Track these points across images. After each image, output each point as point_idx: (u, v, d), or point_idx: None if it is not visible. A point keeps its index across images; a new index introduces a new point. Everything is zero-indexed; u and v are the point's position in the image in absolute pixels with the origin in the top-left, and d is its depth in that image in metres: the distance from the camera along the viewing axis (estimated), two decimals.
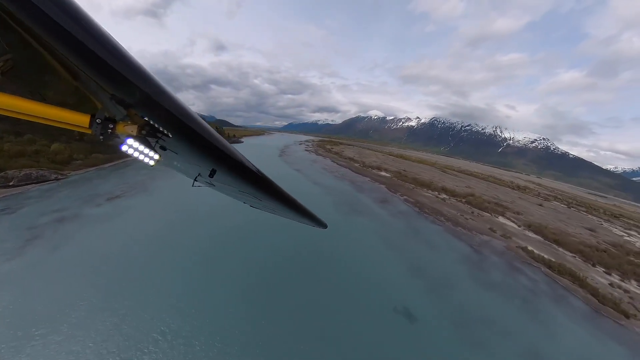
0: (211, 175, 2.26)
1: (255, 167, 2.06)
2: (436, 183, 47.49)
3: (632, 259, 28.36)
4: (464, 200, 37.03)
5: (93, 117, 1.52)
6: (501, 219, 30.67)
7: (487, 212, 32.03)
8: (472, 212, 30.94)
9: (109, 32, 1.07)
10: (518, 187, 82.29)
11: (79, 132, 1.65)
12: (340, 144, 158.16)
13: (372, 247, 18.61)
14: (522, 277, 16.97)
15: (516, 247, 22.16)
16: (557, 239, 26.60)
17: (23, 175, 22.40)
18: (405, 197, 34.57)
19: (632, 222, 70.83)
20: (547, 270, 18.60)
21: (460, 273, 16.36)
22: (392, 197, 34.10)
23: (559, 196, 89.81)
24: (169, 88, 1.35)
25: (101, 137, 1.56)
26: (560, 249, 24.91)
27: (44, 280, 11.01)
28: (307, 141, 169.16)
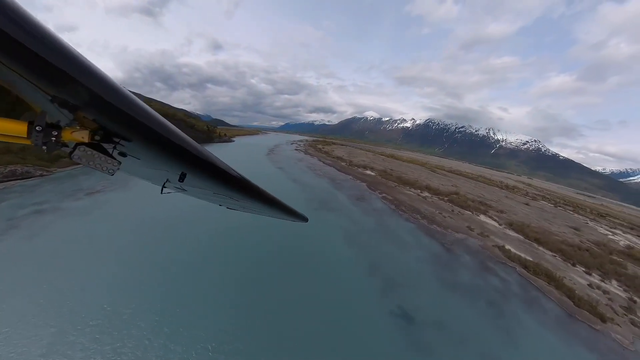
0: (181, 179, 2.05)
1: (229, 167, 1.91)
2: (421, 182, 46.32)
3: (614, 257, 27.44)
4: (446, 198, 35.83)
5: (31, 124, 1.20)
6: (482, 217, 29.50)
7: (469, 211, 30.84)
8: (452, 210, 29.70)
9: (42, 21, 0.90)
10: (507, 187, 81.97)
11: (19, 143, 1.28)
12: (333, 143, 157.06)
13: (334, 245, 17.24)
14: (493, 278, 15.62)
15: (492, 246, 20.91)
16: (538, 238, 25.50)
17: (8, 171, 22.69)
18: (384, 194, 33.24)
19: (617, 221, 71.03)
20: (522, 270, 17.33)
21: (424, 273, 14.96)
22: (370, 195, 32.77)
23: (547, 196, 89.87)
24: (123, 86, 1.15)
25: (44, 147, 1.24)
26: (541, 248, 23.78)
27: (16, 268, 11.14)
28: (300, 141, 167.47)
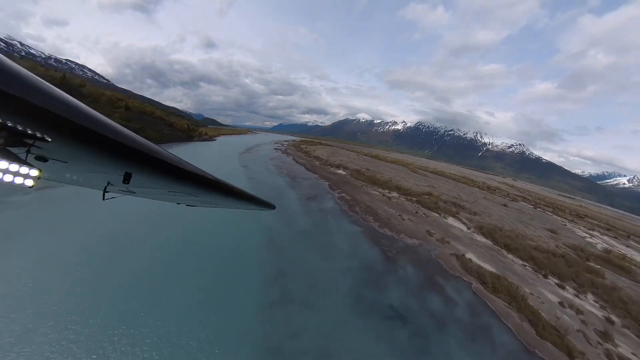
0: (126, 181, 1.71)
1: (184, 162, 1.67)
2: (394, 182, 43.03)
3: (591, 264, 24.61)
4: (415, 199, 32.51)
5: None
6: (450, 220, 26.29)
7: (436, 212, 27.55)
8: (417, 212, 26.33)
9: None
10: (488, 188, 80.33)
11: None
12: (320, 144, 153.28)
13: (247, 248, 13.68)
14: (436, 298, 11.98)
15: (450, 254, 17.45)
16: (508, 244, 22.35)
17: None
18: (343, 194, 29.64)
19: (595, 222, 70.00)
20: (479, 286, 13.87)
21: (340, 287, 11.25)
22: (327, 194, 29.12)
23: (527, 197, 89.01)
24: (32, 74, 0.94)
25: None
26: (510, 256, 20.57)
27: None
28: (286, 141, 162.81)
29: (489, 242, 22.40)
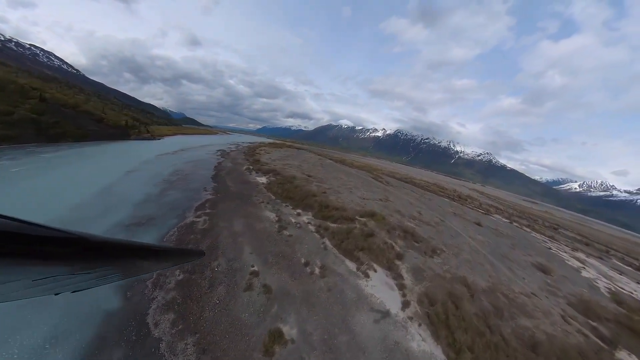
0: None
1: (58, 228, 0.54)
2: (327, 195, 29.94)
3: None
4: (333, 226, 19.29)
5: None
6: (373, 279, 13.54)
7: (354, 261, 14.46)
8: (307, 265, 13.18)
9: None
10: (459, 197, 71.21)
11: None
12: (288, 147, 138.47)
13: None
14: None
15: None
16: (471, 347, 9.78)
17: None
18: (202, 218, 16.06)
19: (570, 233, 62.23)
20: None
21: None
22: (175, 217, 15.56)
23: (499, 206, 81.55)
24: None
25: None
26: None
27: None
28: (251, 142, 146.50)
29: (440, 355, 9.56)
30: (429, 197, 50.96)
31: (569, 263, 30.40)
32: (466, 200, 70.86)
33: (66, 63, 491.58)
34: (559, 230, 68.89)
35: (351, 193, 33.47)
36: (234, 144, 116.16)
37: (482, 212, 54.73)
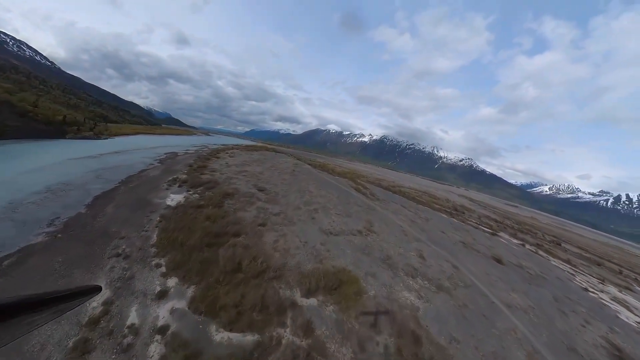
0: None
1: None
2: (276, 225, 17.07)
3: None
4: (230, 334, 6.81)
5: None
6: None
7: None
8: None
9: None
10: (455, 210, 60.72)
11: None
12: (267, 150, 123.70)
13: None
14: None
15: None
16: None
17: None
18: None
19: (575, 248, 51.09)
20: None
21: None
22: None
23: (496, 217, 72.01)
24: None
25: None
26: None
27: None
28: (227, 144, 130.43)
29: None
30: (425, 215, 39.16)
31: (626, 320, 19.18)
32: (463, 213, 60.39)
33: (40, 54, 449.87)
34: (562, 245, 60.01)
35: (313, 222, 20.41)
36: (202, 145, 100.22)
37: (487, 231, 43.92)
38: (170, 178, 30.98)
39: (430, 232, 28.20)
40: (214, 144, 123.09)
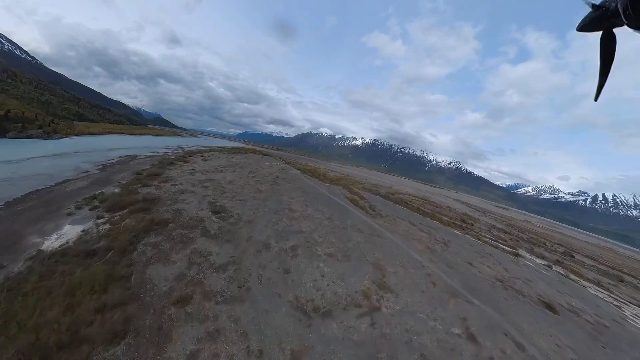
0: None
1: None
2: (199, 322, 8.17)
3: None
4: None
5: None
6: None
7: None
8: None
9: None
10: (464, 222, 53.27)
11: None
12: (253, 152, 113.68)
13: None
14: None
15: None
16: None
17: None
18: None
19: (589, 260, 42.68)
20: None
21: None
22: None
23: (502, 226, 65.38)
24: None
25: None
26: None
27: None
28: (210, 146, 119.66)
29: None
30: (441, 236, 31.04)
31: None
32: (472, 224, 53.23)
33: (20, 48, 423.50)
34: (575, 257, 53.91)
35: (285, 283, 11.48)
36: (178, 147, 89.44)
37: (508, 250, 36.56)
38: (90, 195, 21.49)
39: (459, 269, 20.03)
40: (195, 146, 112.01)
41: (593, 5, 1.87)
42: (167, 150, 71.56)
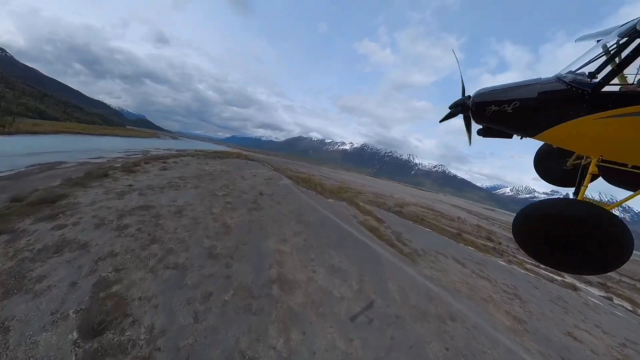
0: None
1: None
2: None
3: None
4: None
5: None
6: None
7: None
8: None
9: None
10: (491, 241, 43.19)
11: None
12: (238, 157, 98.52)
13: None
14: None
15: None
16: None
17: None
18: None
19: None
20: None
21: None
22: None
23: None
24: None
25: None
26: None
27: None
28: (185, 149, 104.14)
29: None
30: (503, 281, 19.86)
31: None
32: (500, 244, 43.19)
33: None
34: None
35: None
36: (144, 151, 74.38)
37: (560, 281, 26.27)
38: None
39: (573, 357, 8.85)
40: (167, 149, 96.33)
41: (452, 106, 3.07)
42: (120, 155, 56.54)
